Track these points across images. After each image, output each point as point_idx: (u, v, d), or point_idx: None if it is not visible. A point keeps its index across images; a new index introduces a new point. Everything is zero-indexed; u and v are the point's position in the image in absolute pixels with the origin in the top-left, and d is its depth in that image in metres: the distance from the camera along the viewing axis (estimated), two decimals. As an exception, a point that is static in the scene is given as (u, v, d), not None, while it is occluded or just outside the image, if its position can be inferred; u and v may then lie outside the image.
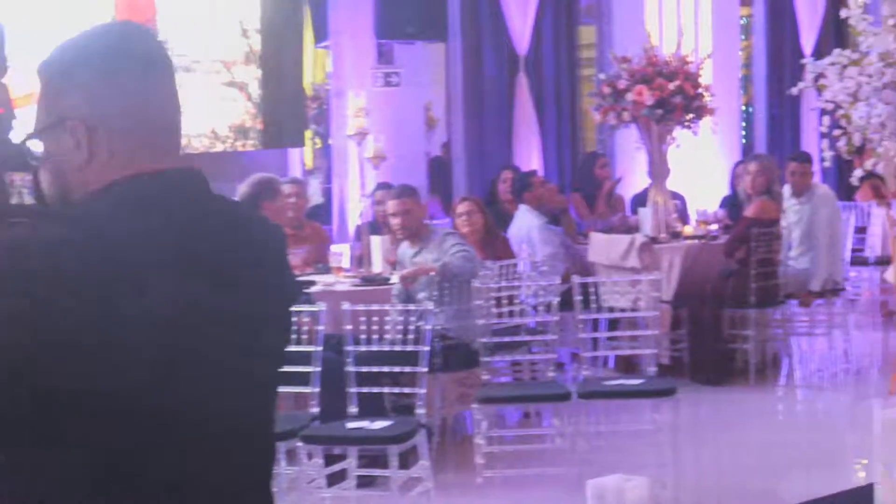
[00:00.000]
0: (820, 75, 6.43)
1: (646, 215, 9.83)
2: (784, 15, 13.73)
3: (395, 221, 7.86)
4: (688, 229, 10.00)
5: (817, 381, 9.67)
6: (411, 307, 6.79)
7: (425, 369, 6.51)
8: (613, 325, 8.33)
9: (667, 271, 9.39)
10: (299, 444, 6.19)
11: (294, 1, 11.13)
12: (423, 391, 6.49)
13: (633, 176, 11.59)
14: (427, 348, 6.53)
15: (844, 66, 6.31)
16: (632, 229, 9.96)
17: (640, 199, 10.55)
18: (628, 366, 8.96)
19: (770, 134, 13.87)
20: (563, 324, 7.63)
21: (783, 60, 13.39)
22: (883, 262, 11.11)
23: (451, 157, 12.34)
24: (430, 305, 6.71)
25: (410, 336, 6.59)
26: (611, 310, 7.78)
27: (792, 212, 9.80)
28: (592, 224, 10.64)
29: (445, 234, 7.98)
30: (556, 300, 7.39)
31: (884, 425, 5.80)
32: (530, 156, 11.93)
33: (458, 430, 8.16)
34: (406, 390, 6.80)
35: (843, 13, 6.49)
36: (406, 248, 7.89)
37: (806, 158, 10.02)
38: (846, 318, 10.19)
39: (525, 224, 9.72)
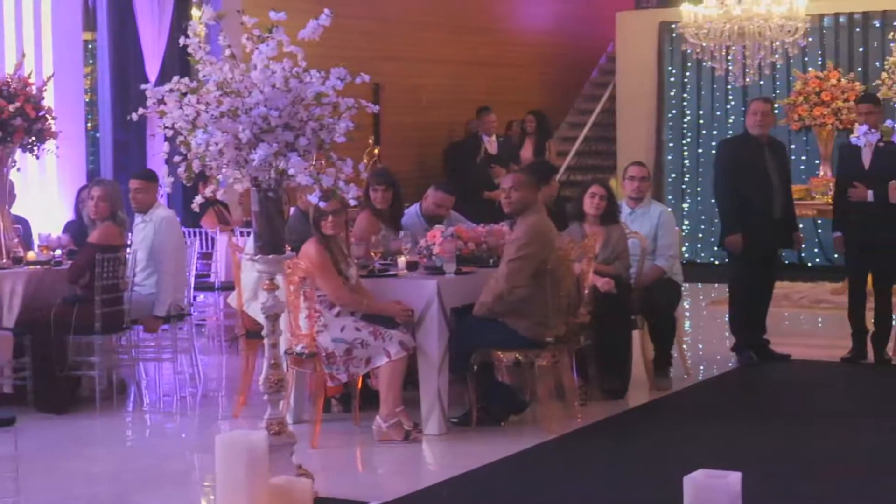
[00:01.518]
0: (161, 101, 6.46)
1: (-14, 241, 9.51)
2: (128, 41, 13.72)
3: None
4: (31, 255, 9.75)
5: (166, 407, 9.72)
6: None
7: None
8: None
9: (9, 298, 9.14)
10: None
11: None
12: None
13: (-27, 200, 11.15)
14: None
15: (184, 94, 6.37)
16: (-30, 255, 9.60)
17: (-20, 225, 10.17)
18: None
19: (116, 159, 13.82)
20: None
21: (128, 86, 13.40)
22: (227, 287, 11.35)
23: None
24: None
25: None
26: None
27: (136, 231, 9.83)
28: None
29: None
30: None
31: (223, 446, 5.96)
32: None
33: None
34: None
35: (181, 41, 6.56)
36: None
37: (149, 177, 10.02)
38: (192, 342, 10.32)
39: None
